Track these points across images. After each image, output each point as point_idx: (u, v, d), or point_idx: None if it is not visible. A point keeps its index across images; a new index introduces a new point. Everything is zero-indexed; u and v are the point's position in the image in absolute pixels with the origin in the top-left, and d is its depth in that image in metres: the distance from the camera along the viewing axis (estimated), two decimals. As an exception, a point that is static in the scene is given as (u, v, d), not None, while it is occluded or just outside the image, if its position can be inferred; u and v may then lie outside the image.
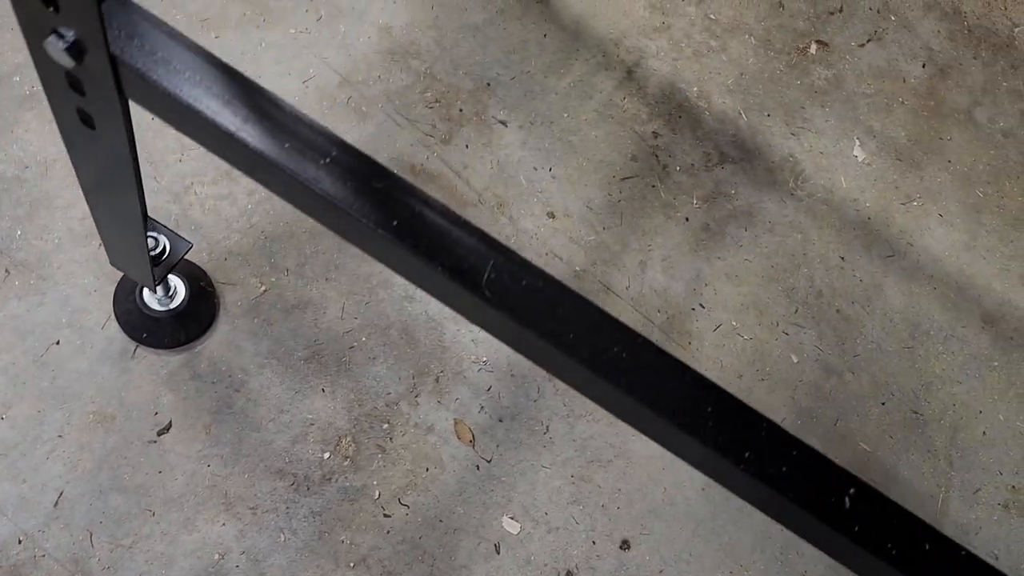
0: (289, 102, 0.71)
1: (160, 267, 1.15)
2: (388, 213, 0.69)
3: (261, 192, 1.44)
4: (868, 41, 1.91)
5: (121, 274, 1.32)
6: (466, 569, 1.31)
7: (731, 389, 1.46)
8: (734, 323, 1.56)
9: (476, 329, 1.43)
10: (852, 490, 0.70)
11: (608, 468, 1.41)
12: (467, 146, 1.57)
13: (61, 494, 1.21)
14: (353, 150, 0.70)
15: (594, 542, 1.37)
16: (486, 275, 0.69)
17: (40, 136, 1.38)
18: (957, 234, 1.76)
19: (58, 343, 1.28)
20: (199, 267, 1.35)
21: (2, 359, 1.25)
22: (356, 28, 1.59)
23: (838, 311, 1.63)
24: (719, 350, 1.54)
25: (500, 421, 1.40)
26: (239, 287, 1.37)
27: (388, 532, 1.30)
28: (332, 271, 1.42)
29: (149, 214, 1.03)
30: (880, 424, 1.56)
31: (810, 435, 1.51)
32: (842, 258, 1.67)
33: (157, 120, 1.00)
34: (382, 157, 1.51)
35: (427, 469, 1.35)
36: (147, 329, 1.29)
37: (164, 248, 1.15)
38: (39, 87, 1.42)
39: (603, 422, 1.43)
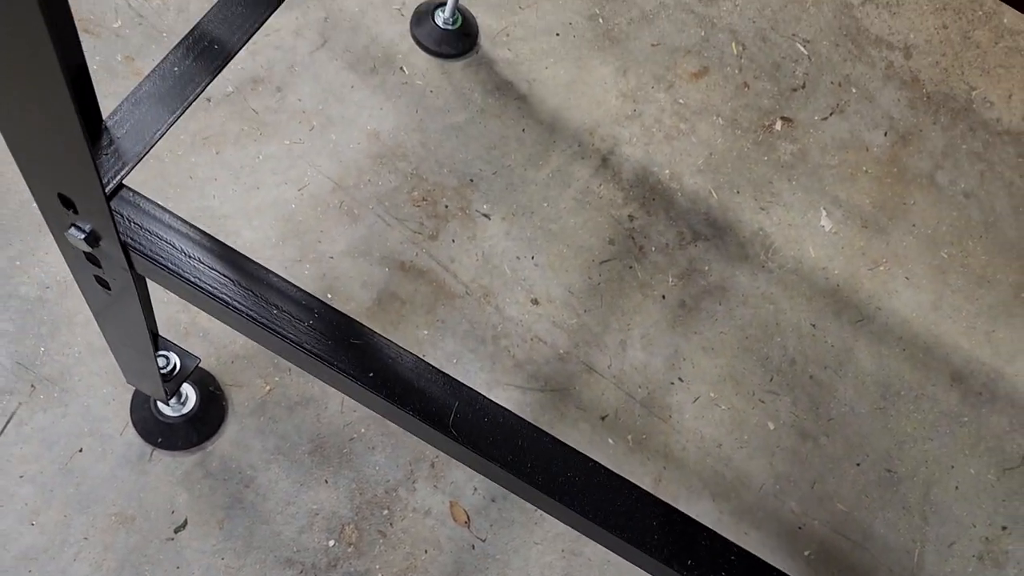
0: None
1: (171, 383, 1.26)
2: (365, 366, 0.80)
3: (263, 296, 1.56)
4: (831, 114, 2.02)
5: (137, 383, 1.43)
6: (466, 646, 1.40)
7: (711, 459, 1.56)
8: (712, 394, 1.66)
9: (467, 415, 1.54)
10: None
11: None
12: (453, 240, 1.68)
13: (88, 594, 1.32)
14: (333, 311, 0.81)
15: (586, 614, 1.45)
16: (452, 416, 0.79)
17: (59, 259, 1.51)
18: (924, 295, 1.86)
19: (81, 451, 1.39)
20: (208, 372, 1.46)
21: (31, 469, 1.37)
22: (346, 136, 1.72)
23: (811, 377, 1.72)
24: (699, 421, 1.63)
25: (493, 501, 1.49)
26: (245, 388, 1.48)
27: (391, 614, 1.40)
28: (331, 367, 1.53)
29: (160, 324, 1.14)
30: (856, 484, 1.65)
31: (789, 498, 1.60)
32: (813, 325, 1.77)
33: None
34: (374, 256, 1.63)
35: (426, 551, 1.44)
36: (162, 434, 1.40)
37: (175, 365, 1.26)
38: (57, 211, 1.54)
39: (590, 498, 1.52)
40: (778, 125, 1.98)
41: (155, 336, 1.08)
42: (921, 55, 2.15)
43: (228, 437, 1.45)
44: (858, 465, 1.66)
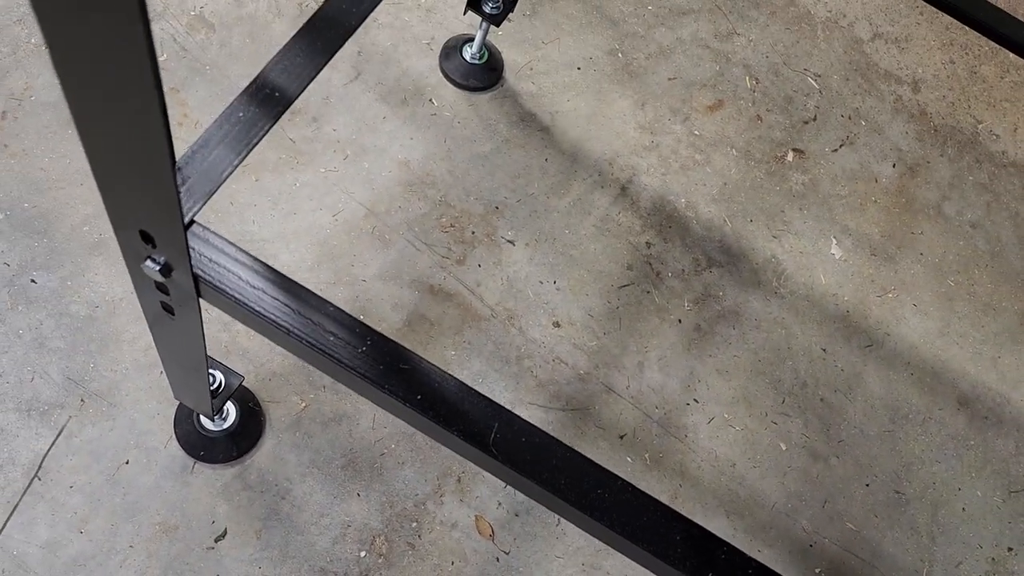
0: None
1: (217, 399, 1.34)
2: (413, 389, 0.87)
3: (299, 317, 1.64)
4: (841, 146, 2.10)
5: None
6: (490, 654, 1.46)
7: (725, 477, 1.62)
8: (726, 415, 1.73)
9: (492, 433, 1.61)
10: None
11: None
12: (479, 265, 1.76)
13: (134, 598, 1.39)
14: (384, 339, 0.89)
15: (604, 625, 1.52)
16: (492, 435, 0.87)
17: (108, 279, 1.59)
18: (931, 322, 1.93)
19: (127, 462, 1.47)
20: (248, 389, 1.54)
21: (80, 479, 1.44)
22: (378, 164, 1.80)
23: (822, 399, 1.79)
24: (713, 441, 1.70)
25: (516, 516, 1.56)
26: (282, 404, 1.56)
27: (419, 622, 1.46)
28: (363, 386, 1.60)
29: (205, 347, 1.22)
30: (865, 504, 1.71)
31: (800, 517, 1.67)
32: (824, 350, 1.84)
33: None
34: (404, 280, 1.71)
35: (452, 563, 1.51)
36: (204, 447, 1.48)
37: (220, 383, 1.34)
38: (107, 234, 1.63)
39: (609, 514, 1.59)
40: (790, 156, 2.05)
41: (207, 365, 1.16)
42: (929, 89, 2.22)
43: (266, 451, 1.52)
44: (867, 485, 1.72)
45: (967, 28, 1.62)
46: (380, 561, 1.49)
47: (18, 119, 1.68)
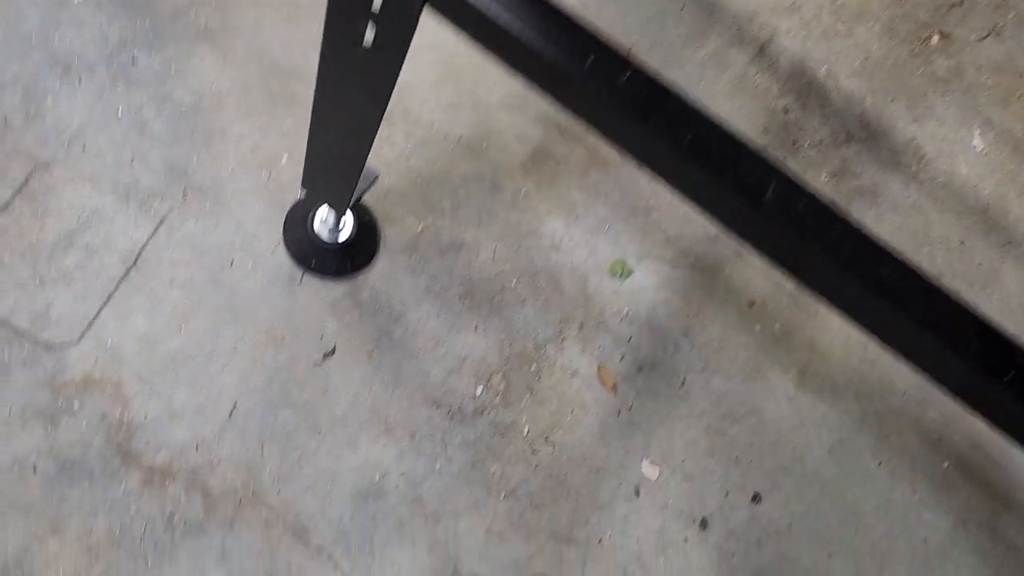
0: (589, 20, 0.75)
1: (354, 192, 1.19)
2: (680, 130, 0.73)
3: (418, 135, 1.49)
4: (987, 35, 1.94)
5: (291, 204, 1.37)
6: (608, 508, 1.35)
7: (856, 359, 1.50)
8: (859, 296, 1.60)
9: (617, 281, 1.48)
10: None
11: (741, 424, 1.45)
12: (610, 107, 1.61)
13: (235, 405, 1.26)
14: (645, 73, 0.74)
15: (727, 493, 1.41)
16: (768, 192, 0.73)
17: (214, 69, 1.43)
18: (1071, 227, 1.80)
19: (232, 264, 1.33)
20: (363, 203, 1.40)
21: (181, 275, 1.30)
22: (509, -14, 1.63)
23: (957, 292, 1.66)
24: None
25: (640, 371, 1.44)
26: (398, 224, 1.42)
27: (536, 467, 1.35)
28: (484, 216, 1.47)
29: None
30: (995, 403, 1.60)
31: (931, 408, 1.55)
32: (962, 242, 1.71)
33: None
34: (530, 113, 1.56)
35: (572, 411, 1.39)
36: (316, 257, 1.34)
37: (356, 174, 1.20)
38: (214, 22, 1.47)
39: (737, 379, 1.48)
40: (935, 39, 1.90)
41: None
42: (1082, -12, 2.07)
43: (379, 271, 1.39)
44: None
45: None
46: (497, 400, 1.37)
47: None
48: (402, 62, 0.85)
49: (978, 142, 1.82)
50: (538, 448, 1.36)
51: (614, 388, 1.42)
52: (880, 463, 1.49)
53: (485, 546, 1.29)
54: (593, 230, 1.51)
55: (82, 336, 1.24)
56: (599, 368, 1.43)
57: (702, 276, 1.54)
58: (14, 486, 1.17)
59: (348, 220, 1.35)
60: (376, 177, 1.21)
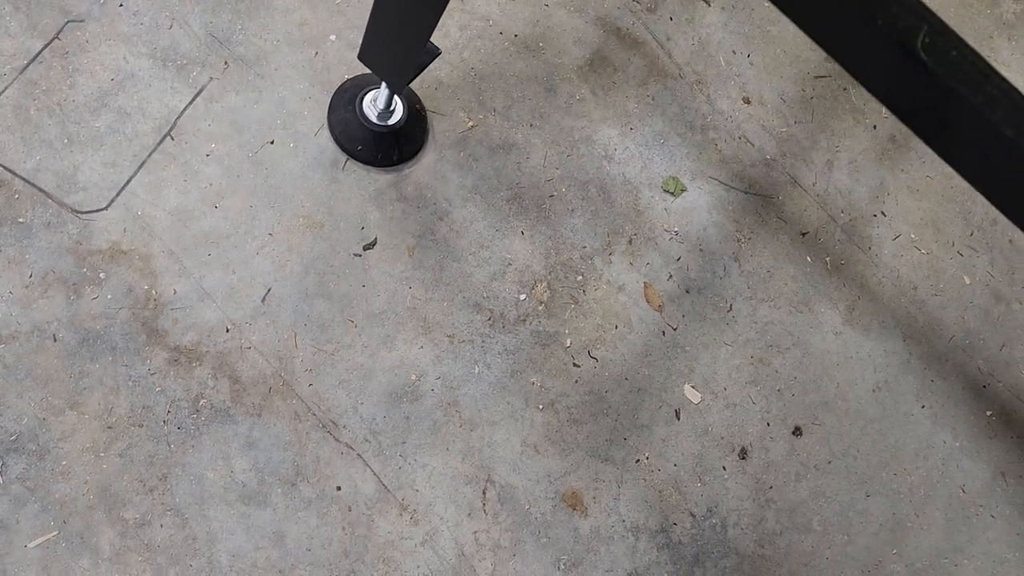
0: None
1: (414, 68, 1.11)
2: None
3: (473, 27, 1.40)
4: (1059, -18, 1.86)
5: (338, 84, 1.28)
6: (647, 429, 1.30)
7: (905, 299, 1.45)
8: (912, 236, 1.54)
9: (669, 198, 1.41)
10: None
11: (786, 355, 1.40)
12: (671, 18, 1.53)
13: (269, 291, 1.19)
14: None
15: (768, 424, 1.36)
16: (920, 38, 0.66)
17: (265, -67, 1.34)
18: None
19: (272, 143, 1.25)
20: (413, 91, 1.32)
21: (218, 149, 1.22)
22: None
23: (1011, 241, 1.61)
24: (896, 259, 1.52)
25: (687, 292, 1.38)
26: (448, 118, 1.34)
27: (576, 381, 1.29)
28: (537, 119, 1.39)
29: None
30: (1042, 356, 1.55)
31: (977, 356, 1.51)
32: (1018, 191, 1.65)
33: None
34: (589, 15, 1.47)
35: (616, 327, 1.33)
36: (362, 142, 1.26)
37: (418, 50, 1.11)
38: None
39: (784, 309, 1.42)
40: (1005, -19, 1.82)
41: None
42: None
43: (425, 165, 1.31)
44: (1047, 338, 1.57)
45: None
46: (540, 308, 1.30)
47: None
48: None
49: (1041, 91, 1.75)
50: (580, 362, 1.30)
51: (660, 307, 1.36)
52: (923, 406, 1.45)
53: (520, 457, 1.24)
54: (648, 143, 1.44)
55: (111, 203, 1.17)
56: (646, 286, 1.36)
57: (755, 201, 1.47)
58: (32, 355, 1.10)
59: (399, 104, 1.27)
60: (438, 52, 1.13)
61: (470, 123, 1.35)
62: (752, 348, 1.39)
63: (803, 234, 1.48)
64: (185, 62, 1.25)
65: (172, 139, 1.21)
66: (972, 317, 1.53)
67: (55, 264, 1.13)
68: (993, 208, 1.58)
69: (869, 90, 0.70)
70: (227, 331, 1.17)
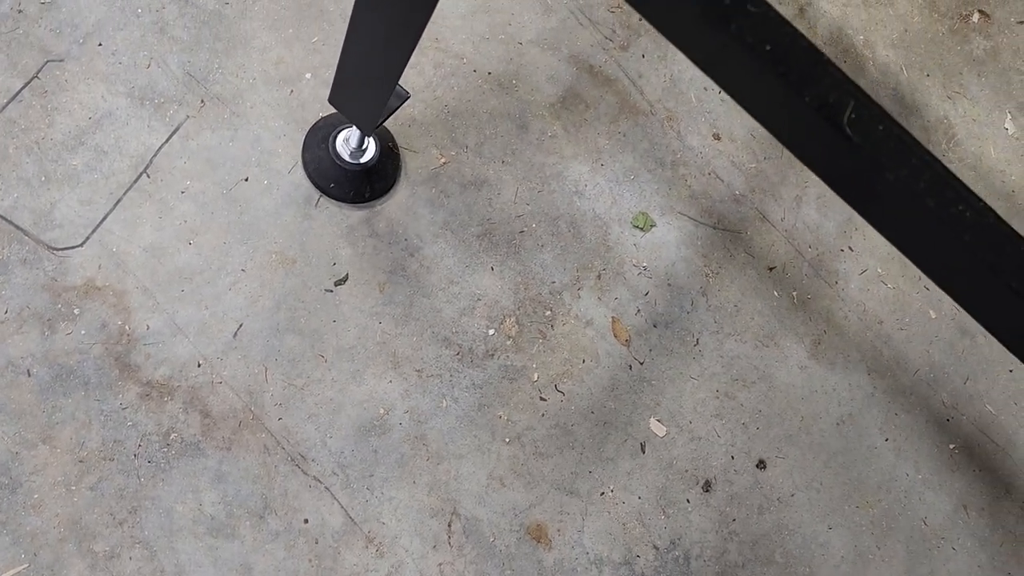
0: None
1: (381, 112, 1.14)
2: (762, 37, 0.68)
3: (447, 65, 1.43)
4: (1028, 19, 1.90)
5: (312, 122, 1.31)
6: (612, 462, 1.33)
7: (871, 334, 1.48)
8: (879, 270, 1.57)
9: (639, 234, 1.44)
10: None
11: (751, 389, 1.43)
12: (643, 56, 1.56)
13: (241, 326, 1.22)
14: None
15: (733, 457, 1.39)
16: (847, 113, 0.69)
17: (243, -26, 1.37)
18: (1093, 221, 1.77)
19: (246, 180, 1.28)
20: (387, 128, 1.35)
21: (193, 186, 1.25)
22: (550, -80, 1.57)
23: (976, 276, 1.64)
24: (863, 294, 1.55)
25: (654, 327, 1.41)
26: (420, 155, 1.37)
27: (543, 415, 1.32)
28: (509, 155, 1.42)
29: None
30: (1007, 390, 1.58)
31: (941, 389, 1.53)
32: (985, 225, 1.68)
33: None
34: (563, 53, 1.50)
35: (583, 361, 1.36)
36: (335, 180, 1.29)
37: (387, 95, 1.14)
38: (245, -75, 1.40)
39: (750, 343, 1.45)
40: (975, 17, 1.85)
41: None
42: None
43: (397, 201, 1.34)
44: (1011, 371, 1.59)
45: None
46: (508, 343, 1.33)
47: None
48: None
49: (1010, 126, 1.79)
50: (547, 396, 1.33)
51: (627, 342, 1.39)
52: (887, 439, 1.47)
53: (486, 491, 1.26)
54: (618, 179, 1.47)
55: (86, 240, 1.19)
56: (613, 320, 1.39)
57: (724, 236, 1.50)
58: (6, 390, 1.12)
59: (371, 143, 1.30)
60: (407, 97, 1.16)
61: (442, 160, 1.38)
62: (718, 382, 1.41)
63: (771, 269, 1.51)
64: (162, 100, 1.28)
65: (148, 176, 1.23)
66: (937, 351, 1.56)
67: (30, 300, 1.15)
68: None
69: (802, 160, 0.73)
70: (199, 366, 1.19)
